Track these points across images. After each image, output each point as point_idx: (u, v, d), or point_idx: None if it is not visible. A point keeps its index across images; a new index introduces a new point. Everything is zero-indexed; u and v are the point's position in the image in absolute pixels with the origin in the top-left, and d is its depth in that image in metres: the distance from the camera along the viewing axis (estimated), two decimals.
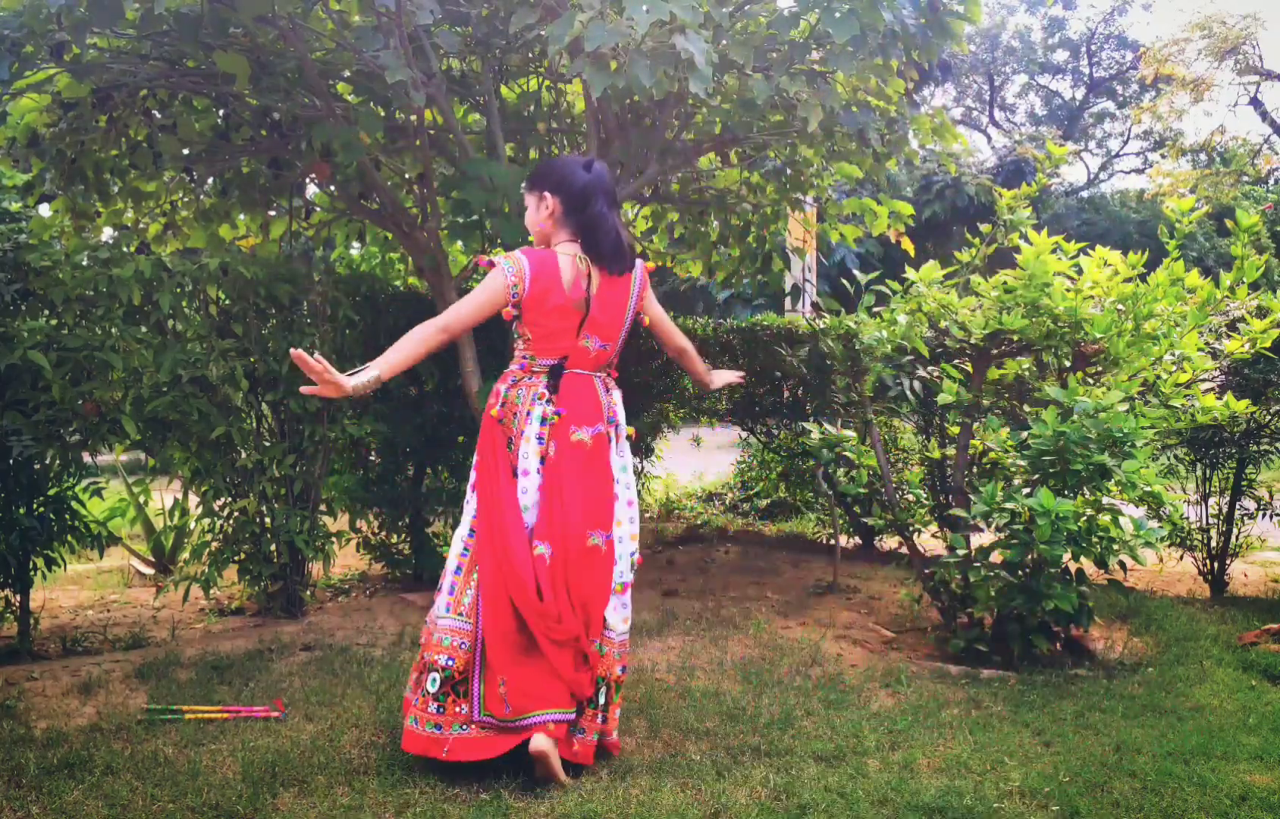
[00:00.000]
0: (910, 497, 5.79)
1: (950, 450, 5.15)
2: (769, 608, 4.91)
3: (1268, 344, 4.40)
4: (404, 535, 5.48)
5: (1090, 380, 4.44)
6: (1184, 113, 17.58)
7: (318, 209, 5.73)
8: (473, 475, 3.12)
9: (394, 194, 5.19)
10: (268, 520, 4.52)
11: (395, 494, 5.36)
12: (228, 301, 4.42)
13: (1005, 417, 4.55)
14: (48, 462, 4.00)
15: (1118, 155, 31.22)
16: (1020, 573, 3.94)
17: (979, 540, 4.24)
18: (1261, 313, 4.48)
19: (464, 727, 2.91)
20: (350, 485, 5.21)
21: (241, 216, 5.43)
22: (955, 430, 5.22)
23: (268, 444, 4.53)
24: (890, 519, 5.48)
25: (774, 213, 5.85)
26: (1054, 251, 4.25)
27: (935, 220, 18.76)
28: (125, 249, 4.34)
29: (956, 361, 4.92)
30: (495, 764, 2.91)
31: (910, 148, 5.02)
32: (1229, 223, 4.54)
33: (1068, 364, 4.42)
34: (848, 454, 5.38)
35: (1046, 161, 5.03)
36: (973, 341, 4.37)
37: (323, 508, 4.88)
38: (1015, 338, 4.32)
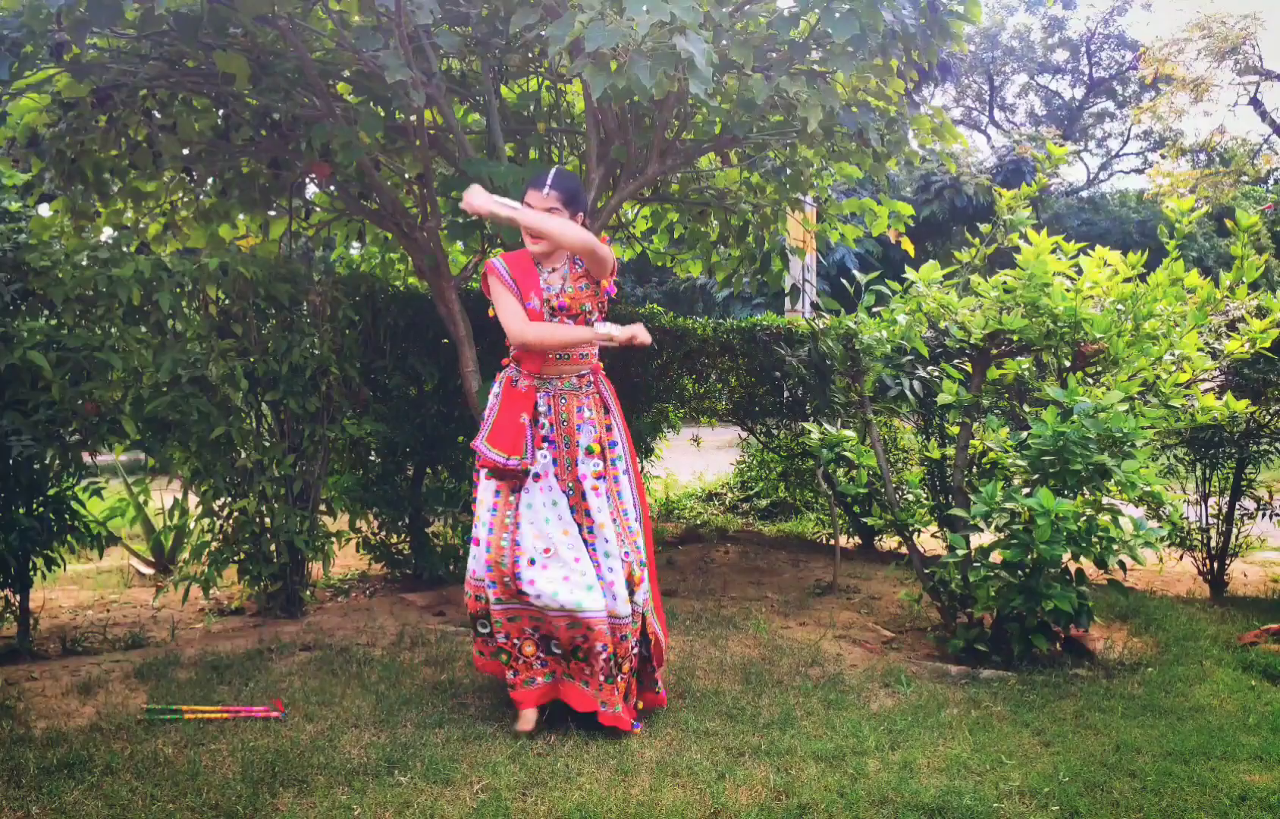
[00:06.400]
0: (910, 496, 5.79)
1: (950, 450, 5.15)
2: (769, 608, 4.91)
3: (1267, 344, 4.40)
4: (404, 535, 5.48)
5: (1090, 380, 4.44)
6: (1184, 113, 17.58)
7: (318, 209, 5.73)
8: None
9: (394, 194, 5.19)
10: (267, 520, 4.51)
11: (395, 494, 5.36)
12: (227, 301, 4.42)
13: (1005, 416, 4.55)
14: (48, 462, 4.00)
15: (1118, 155, 31.25)
16: (1020, 573, 3.94)
17: (979, 540, 4.24)
18: (1261, 313, 4.48)
19: None
20: (350, 485, 5.21)
21: (241, 216, 5.42)
22: (955, 430, 5.23)
23: (268, 444, 4.53)
24: (890, 519, 5.48)
25: (774, 213, 5.85)
26: (1054, 252, 4.26)
27: (934, 220, 18.77)
28: (125, 249, 4.33)
29: (956, 361, 4.93)
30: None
31: (910, 148, 5.02)
32: (1229, 223, 4.55)
33: (1068, 364, 4.42)
34: (848, 454, 5.38)
35: (1046, 161, 5.03)
36: (972, 341, 4.37)
37: (323, 508, 4.88)
38: (1015, 338, 4.32)
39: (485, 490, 3.38)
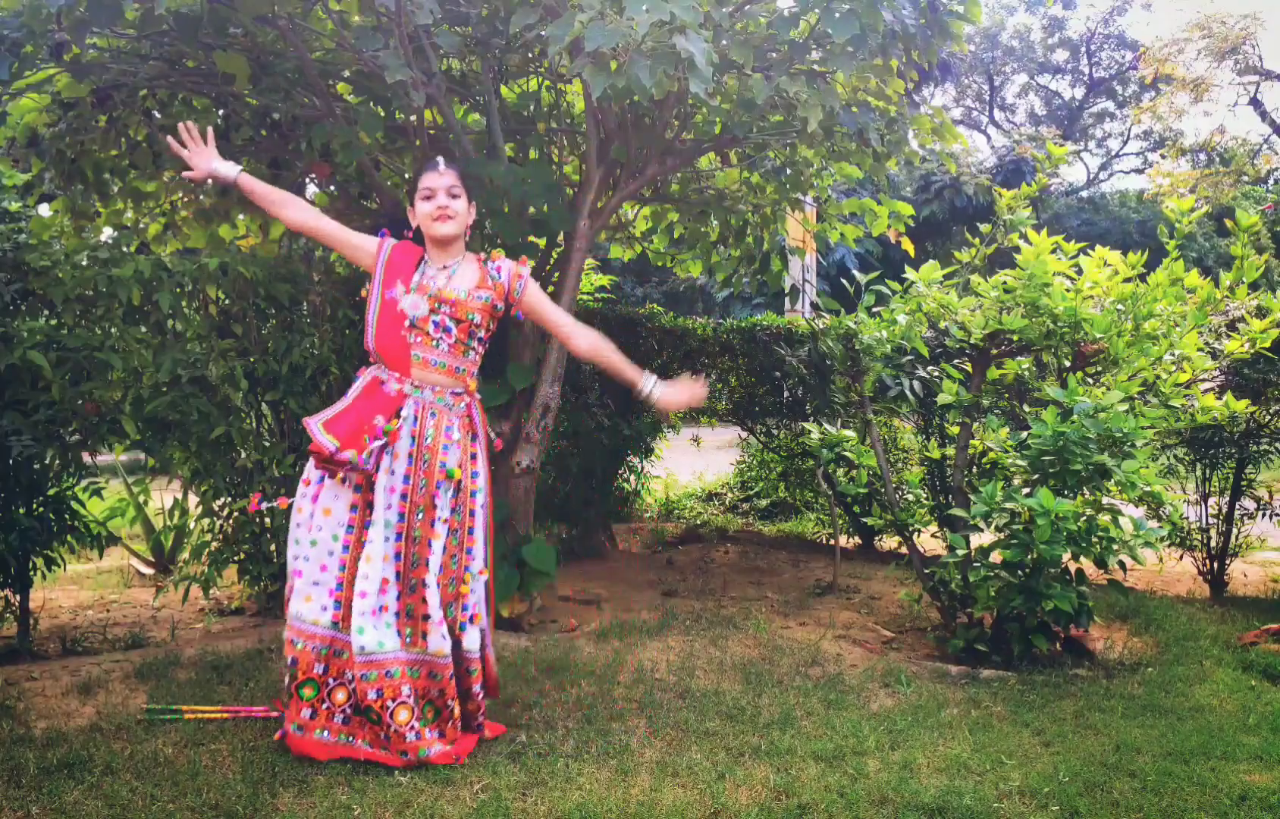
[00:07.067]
0: (910, 496, 5.79)
1: (950, 450, 5.15)
2: (769, 608, 4.91)
3: (1267, 344, 4.40)
4: None
5: (1090, 380, 4.44)
6: (1184, 113, 17.59)
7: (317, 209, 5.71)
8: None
9: (394, 194, 5.18)
10: (267, 520, 4.51)
11: None
12: (227, 301, 4.42)
13: (1005, 416, 4.55)
14: (48, 462, 3.99)
15: (1118, 155, 31.27)
16: (1020, 573, 3.94)
17: (979, 540, 4.24)
18: (1261, 313, 4.49)
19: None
20: None
21: (241, 216, 5.42)
22: (955, 430, 5.23)
23: (268, 444, 4.53)
24: (890, 519, 5.48)
25: (774, 213, 5.85)
26: (1054, 252, 4.26)
27: (934, 220, 18.78)
28: (125, 249, 4.33)
29: (956, 361, 4.93)
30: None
31: (910, 148, 5.02)
32: (1229, 223, 4.55)
33: (1068, 364, 4.43)
34: (848, 454, 5.38)
35: (1046, 161, 5.04)
36: (973, 341, 4.38)
37: None
38: (1015, 338, 4.32)
39: (340, 509, 3.09)
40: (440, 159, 3.20)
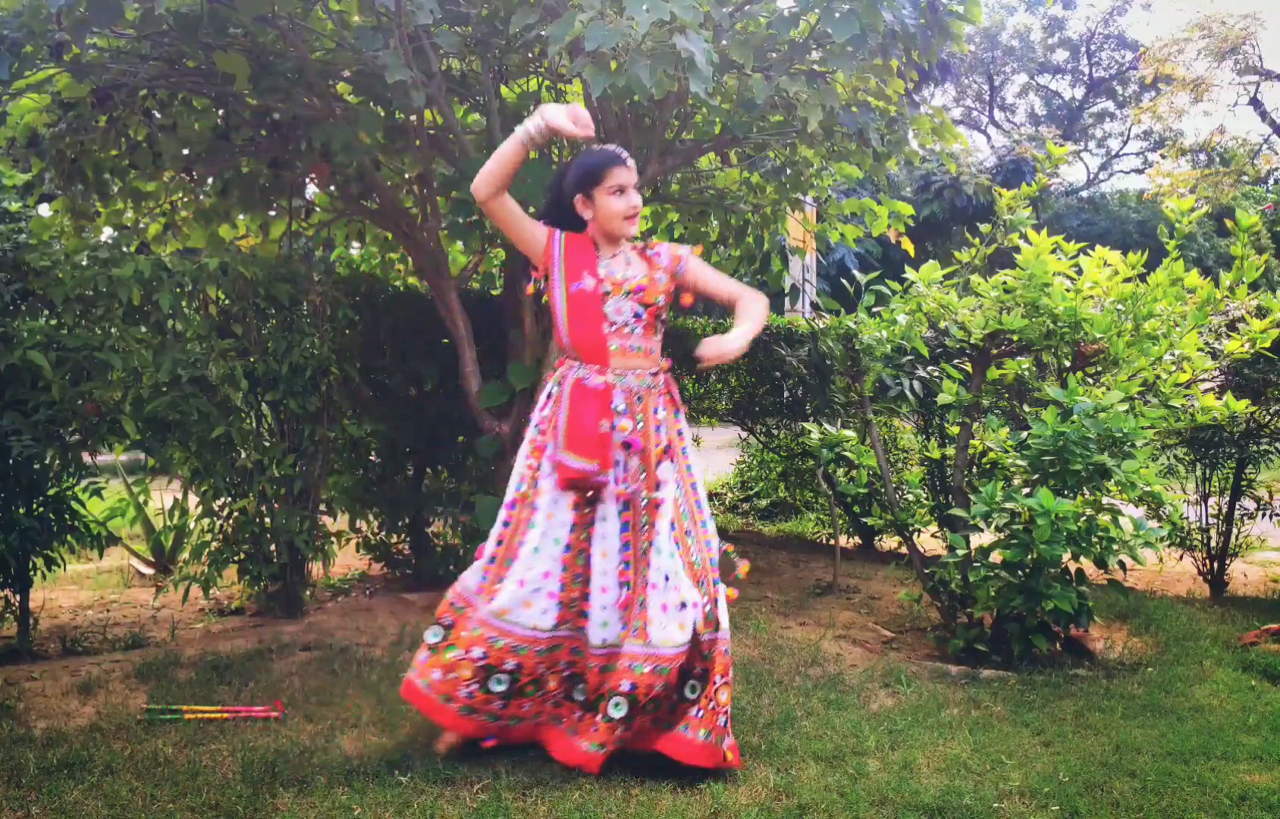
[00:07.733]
0: (910, 496, 5.79)
1: (950, 450, 5.15)
2: (769, 608, 4.90)
3: (1267, 344, 4.40)
4: (404, 536, 5.47)
5: (1090, 380, 4.44)
6: (1184, 113, 17.62)
7: (318, 209, 5.72)
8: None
9: (394, 194, 5.19)
10: (267, 520, 4.51)
11: (395, 494, 5.36)
12: (227, 301, 4.42)
13: (1005, 416, 4.55)
14: (48, 462, 3.99)
15: (1118, 155, 31.29)
16: (1020, 573, 3.94)
17: (979, 540, 4.24)
18: (1261, 313, 4.49)
19: None
20: (350, 485, 5.21)
21: (241, 216, 5.42)
22: (955, 430, 5.23)
23: (268, 444, 4.53)
24: (890, 519, 5.48)
25: (774, 213, 5.85)
26: (1054, 252, 4.26)
27: (934, 220, 18.77)
28: (125, 249, 4.33)
29: (956, 361, 4.93)
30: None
31: (910, 148, 5.02)
32: (1229, 223, 4.55)
33: (1068, 364, 4.43)
34: (848, 454, 5.39)
35: (1046, 161, 5.04)
36: (972, 341, 4.38)
37: (323, 508, 4.88)
38: (1015, 338, 4.32)
39: (562, 511, 3.03)
40: (624, 153, 3.10)
